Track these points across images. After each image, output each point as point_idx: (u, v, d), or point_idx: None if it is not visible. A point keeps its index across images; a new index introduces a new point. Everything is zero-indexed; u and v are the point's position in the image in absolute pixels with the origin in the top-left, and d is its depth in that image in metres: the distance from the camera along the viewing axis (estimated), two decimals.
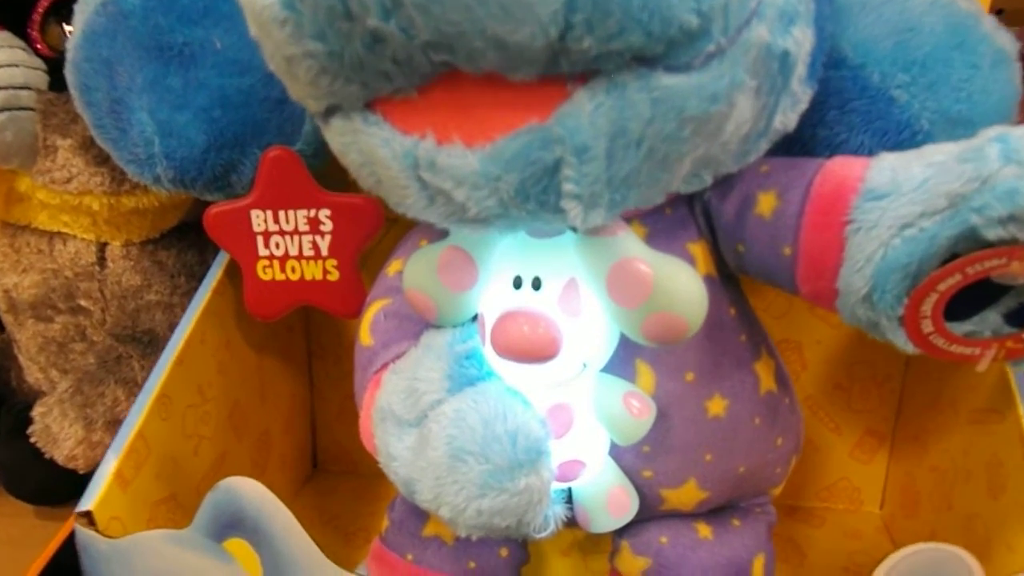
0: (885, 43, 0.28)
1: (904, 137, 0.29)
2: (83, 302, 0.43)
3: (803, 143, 0.30)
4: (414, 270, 0.27)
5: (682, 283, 0.24)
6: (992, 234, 0.22)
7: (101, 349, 0.42)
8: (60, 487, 0.42)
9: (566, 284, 0.25)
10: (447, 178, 0.22)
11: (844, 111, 0.29)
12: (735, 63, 0.21)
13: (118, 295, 0.43)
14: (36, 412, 0.42)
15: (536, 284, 0.25)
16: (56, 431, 0.41)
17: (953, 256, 0.24)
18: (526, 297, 0.25)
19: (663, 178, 0.23)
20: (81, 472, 0.42)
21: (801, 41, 0.23)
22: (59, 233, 0.42)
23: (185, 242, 0.44)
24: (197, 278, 0.44)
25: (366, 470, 0.45)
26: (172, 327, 0.43)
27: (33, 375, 0.46)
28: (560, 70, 0.20)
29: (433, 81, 0.21)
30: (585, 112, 0.20)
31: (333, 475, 0.47)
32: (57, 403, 0.41)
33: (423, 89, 0.21)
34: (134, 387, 0.42)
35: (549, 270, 0.25)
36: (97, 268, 0.43)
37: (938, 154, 0.24)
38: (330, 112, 0.23)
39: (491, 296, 0.26)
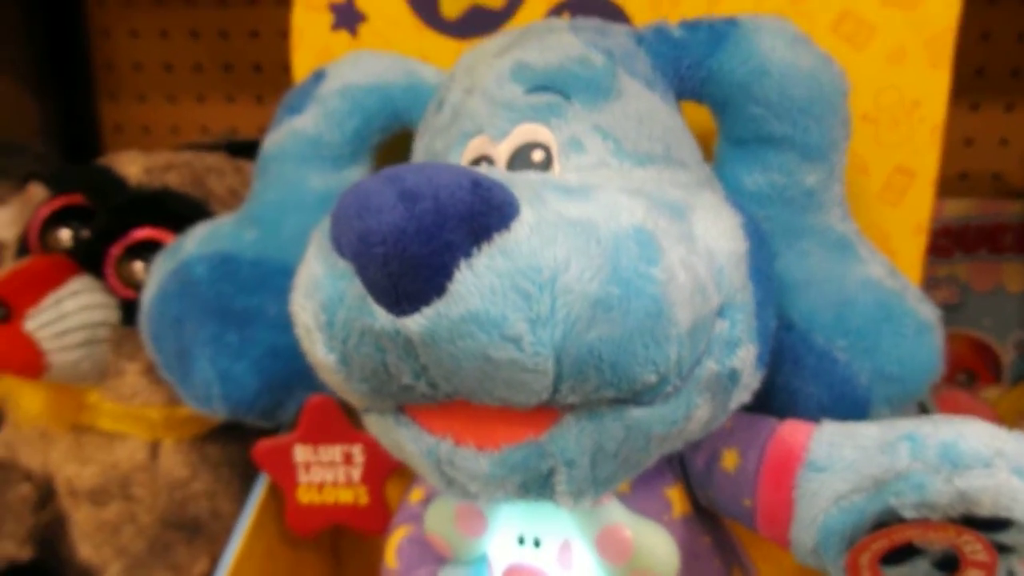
0: (826, 314, 0.33)
1: (847, 389, 0.33)
2: (136, 491, 0.48)
3: (764, 388, 0.35)
4: (434, 518, 0.32)
5: (658, 546, 0.29)
6: (908, 514, 0.27)
7: (151, 534, 0.47)
8: None
9: (561, 544, 0.30)
10: (463, 474, 0.27)
11: (797, 366, 0.34)
12: (690, 393, 0.26)
13: (168, 485, 0.48)
14: None
15: (537, 543, 0.30)
16: None
17: (883, 522, 0.29)
18: (528, 553, 0.30)
19: (638, 471, 0.28)
20: None
21: (745, 357, 0.28)
22: (119, 433, 0.47)
23: (228, 436, 0.49)
24: (239, 469, 0.49)
25: None
26: (214, 513, 0.49)
27: (86, 551, 0.50)
28: (551, 405, 0.25)
29: (451, 401, 0.27)
30: (572, 434, 0.26)
31: None
32: None
33: (443, 404, 0.27)
34: (180, 571, 0.47)
35: (547, 532, 0.30)
36: (150, 462, 0.48)
37: (865, 438, 0.29)
38: (367, 411, 0.29)
39: (498, 547, 0.31)
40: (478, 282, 0.23)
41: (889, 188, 0.40)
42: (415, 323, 0.23)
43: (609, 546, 0.29)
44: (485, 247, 0.23)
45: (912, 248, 0.41)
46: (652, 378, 0.25)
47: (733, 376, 0.28)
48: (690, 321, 0.25)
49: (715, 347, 0.27)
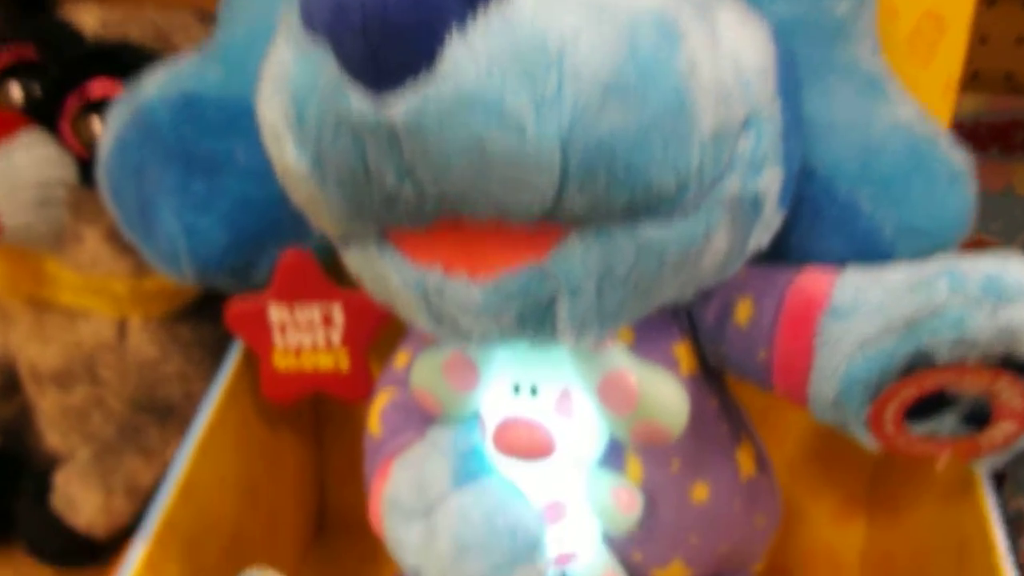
0: (852, 162, 0.31)
1: (869, 244, 0.31)
2: (103, 373, 0.45)
3: (779, 244, 0.32)
4: (421, 371, 0.30)
5: (666, 395, 0.27)
6: (943, 355, 0.25)
7: (120, 419, 0.45)
8: (80, 551, 0.45)
9: (561, 392, 0.27)
10: (453, 306, 0.24)
11: (816, 218, 0.32)
12: (709, 211, 0.24)
13: (137, 367, 0.45)
14: (57, 480, 0.44)
15: (533, 391, 0.28)
16: (77, 499, 0.43)
17: (913, 367, 0.26)
18: (524, 403, 0.28)
19: (647, 305, 0.25)
20: (99, 538, 0.44)
21: (770, 182, 0.26)
22: (82, 309, 0.44)
23: (201, 316, 0.46)
24: (211, 349, 0.47)
25: (373, 532, 0.47)
26: (188, 396, 0.46)
27: (53, 440, 0.48)
28: (554, 218, 0.22)
29: (440, 221, 0.24)
30: (577, 255, 0.23)
31: (341, 536, 0.48)
32: (77, 472, 0.44)
33: (431, 227, 0.24)
34: (152, 456, 0.45)
35: (545, 378, 0.28)
36: (117, 342, 0.45)
37: (894, 279, 0.27)
38: (346, 240, 0.26)
39: (492, 398, 0.29)
40: (472, 56, 0.19)
41: (918, 36, 0.37)
42: (398, 107, 0.20)
43: (612, 394, 0.27)
44: (482, 15, 0.19)
45: (942, 106, 0.38)
46: (670, 184, 0.22)
47: (756, 203, 0.25)
48: (713, 126, 0.22)
49: (739, 164, 0.24)
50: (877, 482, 0.44)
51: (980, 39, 0.73)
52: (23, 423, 0.49)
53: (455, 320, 0.25)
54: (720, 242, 0.25)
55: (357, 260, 0.26)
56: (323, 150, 0.22)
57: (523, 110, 0.20)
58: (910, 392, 0.26)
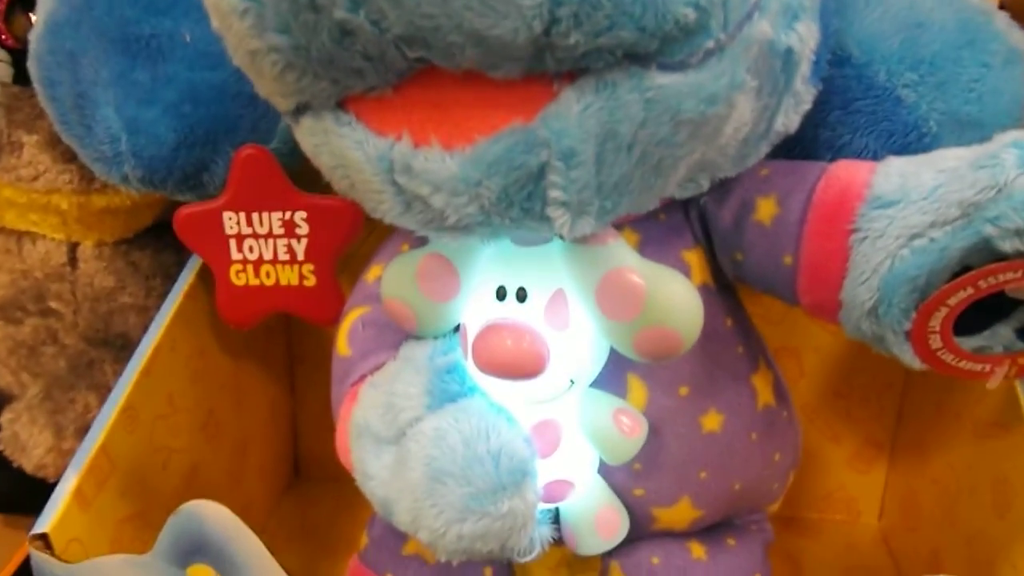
0: (892, 40, 0.27)
1: (911, 139, 0.28)
2: (54, 304, 0.42)
3: (804, 144, 0.28)
4: (392, 278, 0.26)
5: (677, 295, 0.23)
6: (1008, 246, 0.21)
7: (72, 353, 0.41)
8: (30, 495, 0.41)
9: (553, 295, 0.23)
10: (424, 183, 0.20)
11: (848, 111, 0.28)
12: (735, 61, 0.19)
13: (90, 297, 0.42)
14: (4, 419, 0.40)
15: (521, 295, 0.24)
16: (25, 438, 0.40)
17: (965, 268, 0.22)
18: (510, 309, 0.24)
19: (656, 184, 0.21)
20: (51, 481, 0.40)
21: (806, 38, 0.22)
22: (28, 232, 0.40)
23: (161, 242, 0.42)
24: (173, 280, 0.42)
25: (350, 478, 0.44)
26: (145, 328, 0.42)
27: (3, 378, 0.44)
28: (546, 67, 0.18)
29: (409, 79, 0.20)
30: (573, 113, 0.19)
31: (316, 483, 0.45)
32: (26, 409, 0.40)
33: (398, 87, 0.20)
34: (106, 392, 0.41)
35: (535, 280, 0.24)
36: (68, 269, 0.41)
37: (950, 160, 0.23)
38: (300, 111, 0.22)
39: (474, 307, 0.25)
40: None
41: None
42: None
43: (613, 296, 0.23)
44: None
45: None
46: (690, 13, 0.17)
47: (789, 60, 0.21)
48: None
49: (771, 4, 0.20)
50: (903, 424, 0.40)
51: None
52: None
53: (426, 201, 0.21)
54: (744, 107, 0.21)
55: (311, 135, 0.22)
56: None
57: None
58: (966, 295, 0.22)
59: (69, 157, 0.37)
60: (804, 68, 0.23)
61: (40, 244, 0.41)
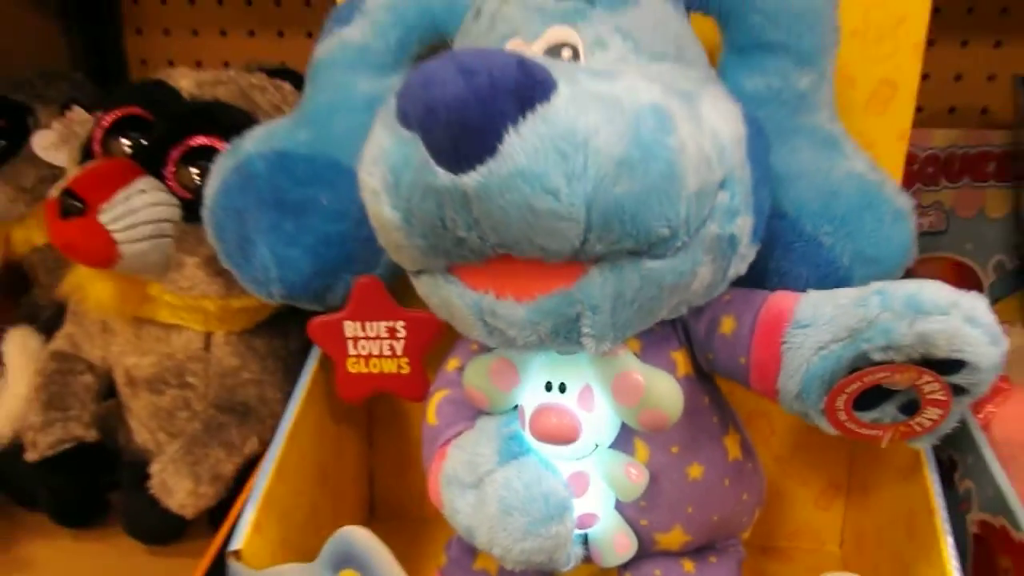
0: (814, 203, 0.38)
1: (830, 271, 0.38)
2: (190, 379, 0.53)
3: (759, 271, 0.39)
4: (472, 373, 0.37)
5: (665, 389, 0.34)
6: (877, 356, 0.32)
7: (205, 418, 0.52)
8: (170, 530, 0.52)
9: (583, 388, 0.35)
10: (503, 321, 0.32)
11: (787, 251, 0.38)
12: (696, 250, 0.31)
13: (219, 374, 0.53)
14: (153, 469, 0.51)
15: (562, 388, 0.35)
16: (171, 485, 0.50)
17: (857, 368, 0.34)
18: (555, 397, 0.35)
19: (649, 319, 0.33)
20: (188, 518, 0.51)
21: (743, 226, 0.33)
22: (176, 325, 0.52)
23: (273, 331, 0.53)
24: (282, 359, 0.54)
25: (415, 517, 0.55)
26: (261, 399, 0.53)
27: (142, 437, 0.55)
28: (580, 258, 0.30)
29: (495, 258, 0.31)
30: (596, 283, 0.31)
31: (386, 522, 0.55)
32: (171, 462, 0.50)
33: (487, 262, 0.31)
34: (232, 449, 0.52)
35: (571, 378, 0.35)
36: (203, 352, 0.52)
37: (842, 298, 0.33)
38: (420, 272, 0.34)
39: (529, 395, 0.36)
40: (523, 144, 0.27)
41: (875, 99, 0.44)
42: (471, 179, 0.27)
43: (623, 389, 0.34)
44: (529, 115, 0.27)
45: (895, 153, 0.45)
46: (665, 231, 0.29)
47: (732, 242, 0.33)
48: (697, 186, 0.30)
49: (717, 213, 0.32)
50: (853, 470, 0.51)
51: (955, 77, 0.80)
52: (114, 422, 0.57)
53: (504, 332, 0.32)
54: (705, 271, 0.33)
55: (427, 288, 0.34)
56: (412, 208, 0.29)
57: (559, 182, 0.27)
58: (855, 386, 0.33)
59: (217, 272, 0.48)
60: (744, 242, 0.34)
61: (184, 334, 0.52)
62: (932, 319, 0.30)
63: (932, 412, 0.34)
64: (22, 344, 0.57)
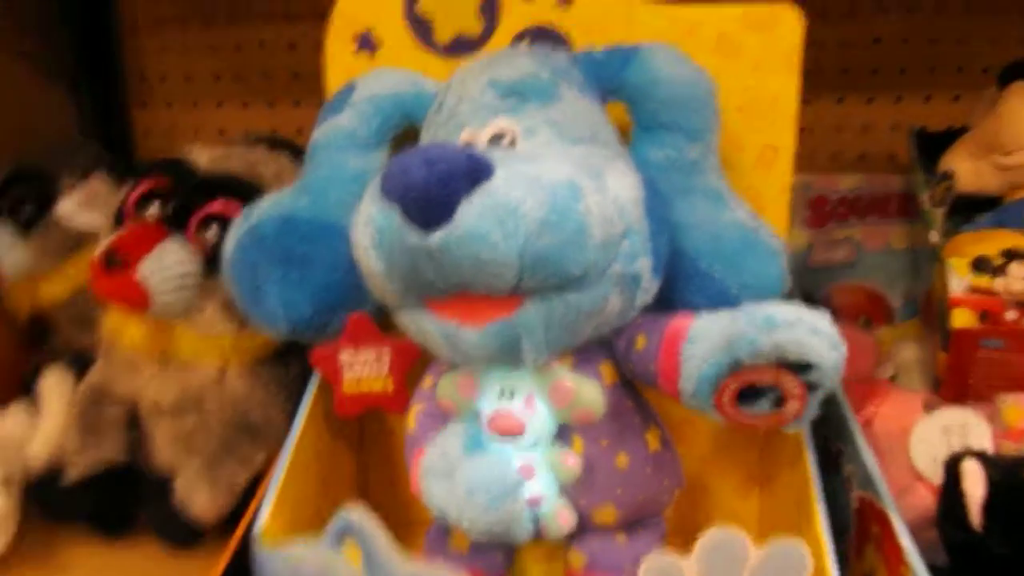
0: (707, 246, 0.47)
1: (722, 299, 0.44)
2: (208, 405, 0.62)
3: (666, 299, 0.45)
4: (443, 388, 0.47)
5: (590, 393, 0.44)
6: (747, 362, 0.41)
7: (223, 437, 0.61)
8: (194, 536, 0.60)
9: (527, 396, 0.45)
10: (463, 344, 0.42)
11: (687, 283, 0.46)
12: (606, 284, 0.41)
13: (232, 399, 0.61)
14: (178, 483, 0.60)
15: (512, 395, 0.46)
16: (193, 496, 0.59)
17: (732, 371, 0.43)
18: (506, 402, 0.45)
19: (575, 339, 0.43)
20: (209, 524, 0.60)
21: (643, 266, 0.43)
22: (195, 359, 0.61)
23: (278, 362, 0.62)
24: (285, 386, 0.63)
25: (402, 522, 0.63)
26: (267, 419, 0.62)
27: (164, 457, 0.63)
28: (516, 293, 0.40)
29: (455, 295, 0.41)
30: (531, 312, 0.40)
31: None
32: (194, 476, 0.59)
33: (449, 296, 0.41)
34: (246, 463, 0.61)
35: (518, 387, 0.45)
36: (218, 382, 0.61)
37: (724, 318, 0.43)
38: (400, 307, 0.44)
39: (486, 401, 0.46)
40: (472, 212, 0.37)
41: (760, 160, 0.55)
42: (435, 239, 0.38)
43: (557, 395, 0.44)
44: (476, 191, 0.37)
45: (780, 204, 0.55)
46: (579, 271, 0.40)
47: (635, 278, 0.43)
48: (602, 238, 0.40)
49: (621, 257, 0.42)
50: (763, 465, 0.61)
51: (863, 128, 0.92)
52: (138, 446, 0.65)
53: (465, 352, 0.42)
54: (615, 301, 0.43)
55: (406, 320, 0.44)
56: (393, 260, 0.40)
57: (498, 239, 0.37)
58: (734, 386, 0.42)
59: (232, 314, 0.58)
60: (646, 277, 0.44)
61: (202, 366, 0.60)
62: (783, 330, 0.37)
63: (793, 404, 0.43)
64: (59, 380, 0.66)
